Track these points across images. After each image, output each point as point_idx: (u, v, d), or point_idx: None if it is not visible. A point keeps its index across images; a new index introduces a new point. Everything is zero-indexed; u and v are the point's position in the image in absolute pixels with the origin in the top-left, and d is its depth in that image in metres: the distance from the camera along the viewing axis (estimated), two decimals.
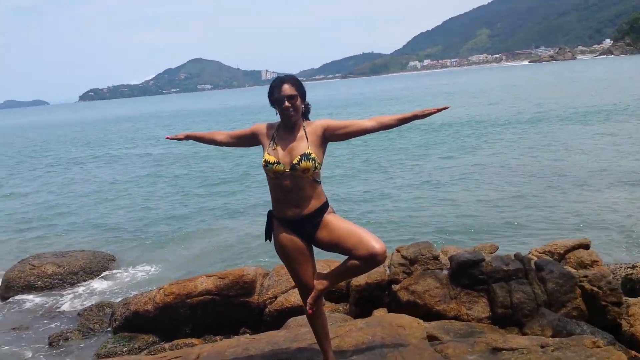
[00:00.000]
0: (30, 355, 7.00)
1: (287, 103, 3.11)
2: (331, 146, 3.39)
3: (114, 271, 10.05)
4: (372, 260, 3.00)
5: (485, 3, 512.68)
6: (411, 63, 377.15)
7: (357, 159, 21.08)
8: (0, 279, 9.70)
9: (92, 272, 9.93)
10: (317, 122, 3.22)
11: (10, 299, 9.08)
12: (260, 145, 3.26)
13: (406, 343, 3.50)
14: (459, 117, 31.74)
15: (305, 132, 3.16)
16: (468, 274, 6.08)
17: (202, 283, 7.10)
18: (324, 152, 3.21)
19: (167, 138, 3.61)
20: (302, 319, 6.35)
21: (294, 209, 3.14)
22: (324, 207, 3.20)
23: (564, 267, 6.29)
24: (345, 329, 3.90)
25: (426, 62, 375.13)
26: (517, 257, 6.17)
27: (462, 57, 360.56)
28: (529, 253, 7.03)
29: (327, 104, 66.05)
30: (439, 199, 13.23)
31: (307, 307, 3.19)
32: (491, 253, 6.78)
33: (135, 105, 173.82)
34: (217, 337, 6.84)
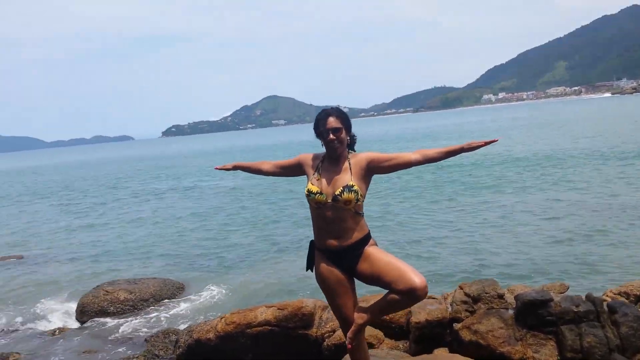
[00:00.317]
0: None
1: (332, 136, 3.15)
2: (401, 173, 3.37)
3: (182, 298, 10.32)
4: (411, 295, 2.93)
5: (562, 35, 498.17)
6: (485, 96, 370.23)
7: (426, 189, 20.84)
8: (76, 304, 10.17)
9: (161, 299, 10.26)
10: (362, 155, 3.23)
11: (84, 324, 9.50)
12: (305, 176, 3.30)
13: None
14: (538, 150, 30.69)
15: (350, 164, 3.18)
16: (535, 314, 5.79)
17: (262, 313, 7.15)
18: (367, 185, 3.21)
19: (216, 168, 3.72)
20: None
21: (336, 240, 3.14)
22: (366, 238, 3.17)
23: None
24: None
25: (501, 95, 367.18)
26: (589, 297, 5.81)
27: (539, 90, 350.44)
28: (603, 294, 6.60)
29: (398, 138, 65.91)
30: (507, 233, 12.73)
31: (346, 342, 3.14)
32: (561, 293, 6.42)
33: (213, 140, 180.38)
34: None
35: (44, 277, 13.09)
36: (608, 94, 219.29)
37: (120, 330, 8.97)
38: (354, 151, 3.31)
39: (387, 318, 7.06)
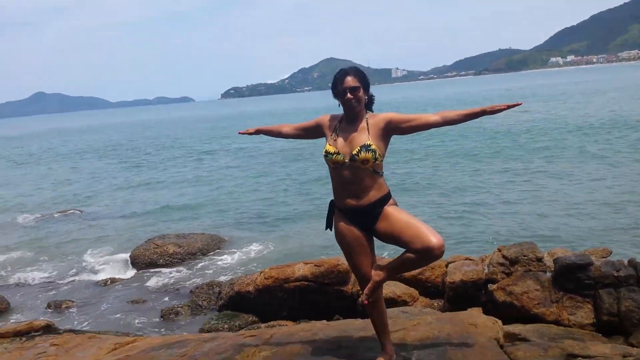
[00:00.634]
0: (142, 326, 7.63)
1: (349, 95, 3.09)
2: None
3: (227, 253, 10.65)
4: (428, 254, 2.88)
5: None
6: (552, 59, 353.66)
7: (478, 154, 20.40)
8: (128, 256, 10.68)
9: (208, 252, 10.63)
10: (380, 115, 3.17)
11: (135, 274, 9.99)
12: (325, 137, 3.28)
13: (472, 342, 3.31)
14: (600, 117, 29.23)
15: (367, 124, 3.13)
16: (573, 278, 5.64)
17: (300, 269, 7.29)
18: (386, 145, 3.15)
19: (240, 133, 3.74)
20: (392, 311, 6.28)
21: (354, 199, 3.11)
22: (385, 198, 3.13)
23: None
24: (413, 322, 3.79)
25: (569, 58, 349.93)
26: (631, 263, 5.60)
27: (611, 53, 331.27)
28: None
29: (456, 101, 64.24)
30: (552, 199, 12.35)
31: (363, 298, 3.15)
32: (603, 257, 6.20)
33: (270, 102, 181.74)
34: (312, 322, 6.98)
35: (99, 230, 13.83)
36: None
37: (168, 282, 9.40)
38: (372, 111, 3.26)
39: (423, 277, 7.08)
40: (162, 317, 7.90)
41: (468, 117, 3.02)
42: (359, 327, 3.83)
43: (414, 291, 6.93)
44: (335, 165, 3.12)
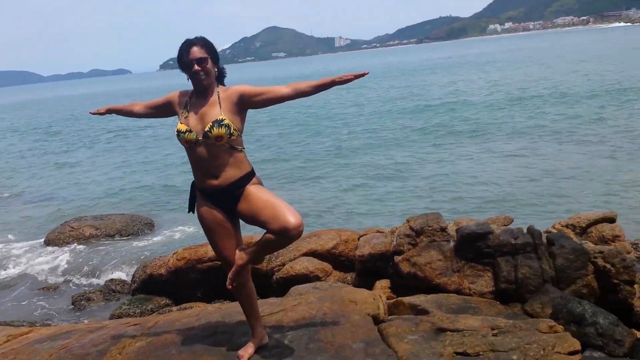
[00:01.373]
0: (53, 314, 7.36)
1: (196, 67, 2.93)
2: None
3: (148, 235, 10.37)
4: (284, 234, 2.79)
5: None
6: (491, 26, 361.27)
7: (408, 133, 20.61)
8: (43, 239, 10.26)
9: (127, 234, 10.30)
10: (232, 88, 3.03)
11: (48, 259, 9.60)
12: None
13: (345, 320, 3.31)
14: (533, 87, 29.97)
15: (219, 98, 2.99)
16: (474, 247, 5.75)
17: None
18: (242, 119, 3.02)
19: (91, 113, 3.54)
20: (304, 287, 6.30)
21: (213, 179, 2.98)
22: (247, 177, 3.01)
23: (583, 242, 5.83)
24: (293, 303, 3.76)
25: (507, 25, 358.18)
26: (529, 230, 5.75)
27: (547, 19, 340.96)
28: (552, 227, 6.58)
29: (400, 71, 64.76)
30: (480, 173, 12.67)
31: (228, 282, 3.06)
32: (505, 225, 6.37)
33: None
34: (226, 302, 6.91)
35: (15, 214, 13.21)
36: (617, 24, 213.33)
37: (81, 266, 9.07)
38: (224, 85, 3.12)
39: (337, 251, 7.10)
40: (73, 303, 7.65)
41: (319, 89, 2.94)
42: (239, 311, 3.77)
43: (327, 266, 6.94)
44: (189, 145, 2.98)
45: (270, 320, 3.41)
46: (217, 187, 2.98)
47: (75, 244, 9.83)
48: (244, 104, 2.99)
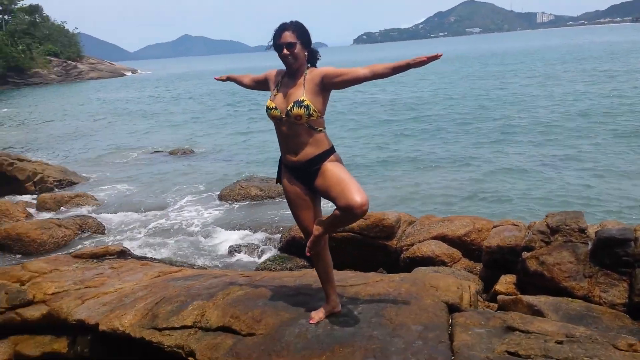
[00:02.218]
0: (208, 259, 8.39)
1: (285, 50, 3.15)
2: None
3: None
4: (349, 211, 2.95)
5: None
6: None
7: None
8: (218, 193, 11.65)
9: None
10: (317, 70, 3.20)
11: (218, 212, 10.85)
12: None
13: (416, 302, 3.38)
14: None
15: (304, 80, 3.19)
16: (611, 253, 5.29)
17: None
18: (324, 100, 3.18)
19: (215, 79, 3.99)
20: (426, 269, 6.36)
21: (294, 155, 3.21)
22: (324, 155, 3.18)
23: None
24: (375, 279, 3.91)
25: None
26: None
27: None
28: None
29: (605, 52, 58.44)
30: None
31: (305, 250, 3.32)
32: None
33: (402, 48, 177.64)
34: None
35: (204, 168, 15.05)
36: None
37: (242, 221, 10.09)
38: (315, 67, 3.30)
39: (468, 239, 6.98)
40: (228, 252, 8.61)
41: (395, 70, 2.99)
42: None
43: (455, 252, 6.88)
44: (274, 121, 3.26)
45: (349, 291, 3.62)
46: (296, 163, 3.22)
47: (243, 201, 10.98)
48: (326, 85, 3.16)
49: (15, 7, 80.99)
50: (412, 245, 7.04)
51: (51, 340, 5.07)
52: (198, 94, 44.95)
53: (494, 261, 6.28)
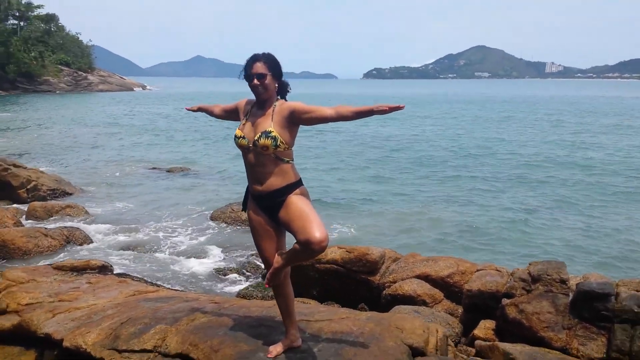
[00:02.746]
0: (190, 280, 8.31)
1: (255, 81, 3.18)
2: None
3: None
4: (308, 246, 2.92)
5: None
6: None
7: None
8: (209, 215, 11.61)
9: None
10: (287, 104, 3.22)
11: (207, 233, 10.81)
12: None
13: (377, 343, 3.31)
14: None
15: (274, 111, 3.20)
16: (591, 306, 5.24)
17: (333, 252, 7.43)
18: (292, 133, 3.19)
19: (186, 109, 4.02)
20: (405, 308, 6.26)
21: (258, 184, 3.21)
22: (290, 187, 3.18)
23: None
24: (341, 316, 3.83)
25: None
26: None
27: None
28: None
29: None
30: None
31: (264, 281, 3.28)
32: (637, 291, 5.64)
33: (409, 86, 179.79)
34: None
35: (195, 188, 15.13)
36: None
37: (230, 245, 10.05)
38: (285, 99, 3.34)
39: (451, 281, 6.90)
40: (212, 276, 8.53)
41: (359, 115, 3.01)
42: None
43: (438, 292, 6.79)
44: (242, 150, 3.26)
45: (313, 327, 3.55)
46: (261, 192, 3.21)
47: (233, 225, 10.94)
48: (294, 119, 3.17)
49: (32, 14, 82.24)
50: (395, 282, 6.96)
51: (20, 352, 4.97)
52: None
53: (474, 305, 6.21)
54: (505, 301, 5.80)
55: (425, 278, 6.89)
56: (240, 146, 3.27)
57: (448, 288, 6.86)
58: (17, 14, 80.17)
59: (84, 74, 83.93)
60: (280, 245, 3.33)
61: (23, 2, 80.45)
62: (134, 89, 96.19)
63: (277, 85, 3.28)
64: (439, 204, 13.49)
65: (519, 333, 5.53)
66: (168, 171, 17.82)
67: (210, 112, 3.79)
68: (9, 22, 79.09)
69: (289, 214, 3.10)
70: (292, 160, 3.25)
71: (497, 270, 6.52)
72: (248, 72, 3.25)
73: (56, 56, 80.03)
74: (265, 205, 3.24)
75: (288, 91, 3.37)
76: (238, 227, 10.95)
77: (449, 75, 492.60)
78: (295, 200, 3.14)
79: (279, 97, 3.32)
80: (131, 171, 17.92)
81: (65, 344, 4.12)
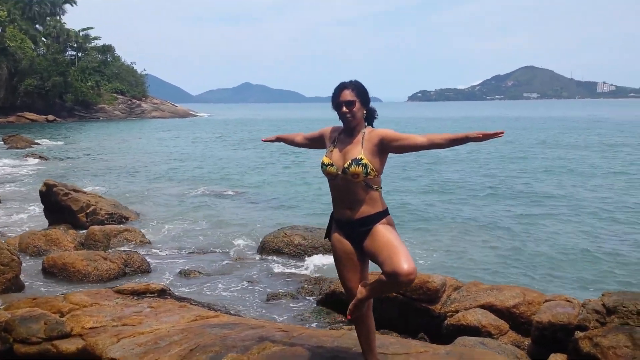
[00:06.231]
0: (246, 305, 8.29)
1: (344, 108, 3.17)
2: None
3: None
4: (394, 278, 2.86)
5: None
6: None
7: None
8: (260, 240, 11.62)
9: (329, 249, 11.03)
10: (377, 131, 3.19)
11: (260, 258, 10.83)
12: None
13: None
14: None
15: (363, 138, 3.17)
16: None
17: None
18: (382, 161, 3.15)
19: (263, 140, 3.98)
20: (470, 340, 6.04)
21: (346, 211, 3.17)
22: (378, 215, 3.12)
23: None
24: (419, 350, 3.70)
25: None
26: None
27: None
28: None
29: None
30: None
31: (347, 312, 3.21)
32: None
33: (452, 109, 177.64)
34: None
35: (243, 212, 15.25)
36: None
37: (284, 269, 10.03)
38: (372, 126, 3.28)
39: (517, 311, 6.65)
40: (266, 300, 8.49)
41: (453, 142, 2.95)
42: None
43: (503, 324, 6.54)
44: (330, 177, 3.23)
45: None
46: (349, 219, 3.17)
47: (286, 249, 10.91)
48: (384, 147, 3.14)
49: (90, 45, 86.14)
50: (457, 312, 6.76)
51: None
52: (258, 138, 45.89)
53: (543, 337, 5.94)
54: (578, 334, 5.52)
55: (490, 308, 6.66)
56: (328, 174, 3.24)
57: (514, 319, 6.61)
58: (76, 45, 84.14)
59: (138, 102, 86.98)
60: (364, 275, 3.28)
61: (81, 34, 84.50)
62: (185, 115, 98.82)
63: (364, 112, 3.26)
64: (495, 231, 13.14)
65: None
66: (223, 194, 18.12)
67: (290, 142, 3.77)
68: (67, 53, 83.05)
69: (376, 244, 3.05)
70: (381, 188, 3.21)
71: (568, 300, 6.24)
72: (336, 100, 3.25)
73: (112, 85, 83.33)
74: (350, 234, 3.20)
75: (375, 117, 3.35)
76: (290, 251, 10.94)
77: (496, 96, 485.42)
78: (382, 230, 3.10)
79: (366, 124, 3.30)
80: (189, 195, 18.26)
81: None
